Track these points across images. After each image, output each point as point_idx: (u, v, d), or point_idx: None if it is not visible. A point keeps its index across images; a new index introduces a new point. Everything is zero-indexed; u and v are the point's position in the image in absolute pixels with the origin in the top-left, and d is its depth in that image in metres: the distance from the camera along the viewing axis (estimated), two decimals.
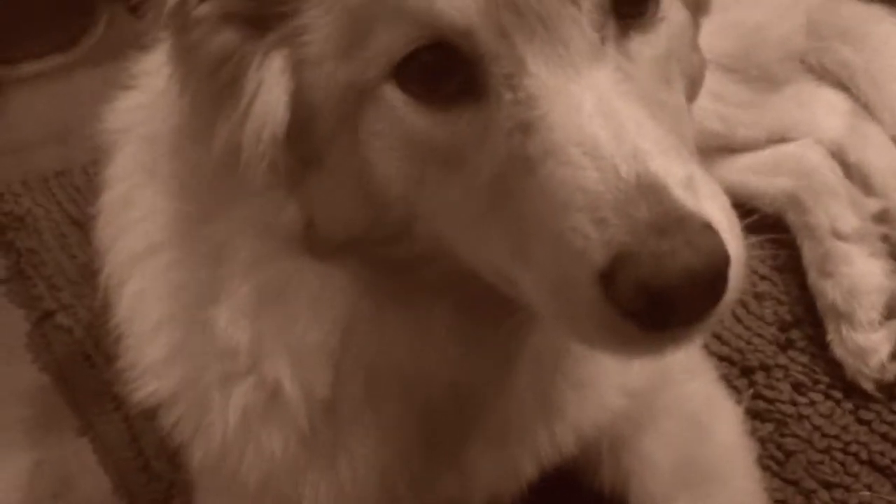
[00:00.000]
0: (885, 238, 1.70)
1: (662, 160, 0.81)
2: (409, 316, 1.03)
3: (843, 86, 1.93)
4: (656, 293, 0.79)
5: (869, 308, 1.57)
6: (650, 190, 0.80)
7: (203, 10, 0.91)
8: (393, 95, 0.89)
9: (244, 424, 1.10)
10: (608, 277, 0.80)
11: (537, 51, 0.85)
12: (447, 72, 0.87)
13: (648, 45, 0.92)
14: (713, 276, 0.80)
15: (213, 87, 0.94)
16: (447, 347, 1.05)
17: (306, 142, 0.94)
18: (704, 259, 0.79)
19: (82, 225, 1.95)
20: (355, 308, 1.03)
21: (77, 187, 2.13)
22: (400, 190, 0.92)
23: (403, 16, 0.86)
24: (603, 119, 0.83)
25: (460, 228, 0.92)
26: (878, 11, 1.96)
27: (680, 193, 0.80)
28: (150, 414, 1.18)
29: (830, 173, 1.82)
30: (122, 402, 1.58)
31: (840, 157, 1.86)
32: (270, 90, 0.92)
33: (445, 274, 0.98)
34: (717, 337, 1.63)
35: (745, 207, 1.44)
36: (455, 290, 1.01)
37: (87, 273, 1.76)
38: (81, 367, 1.76)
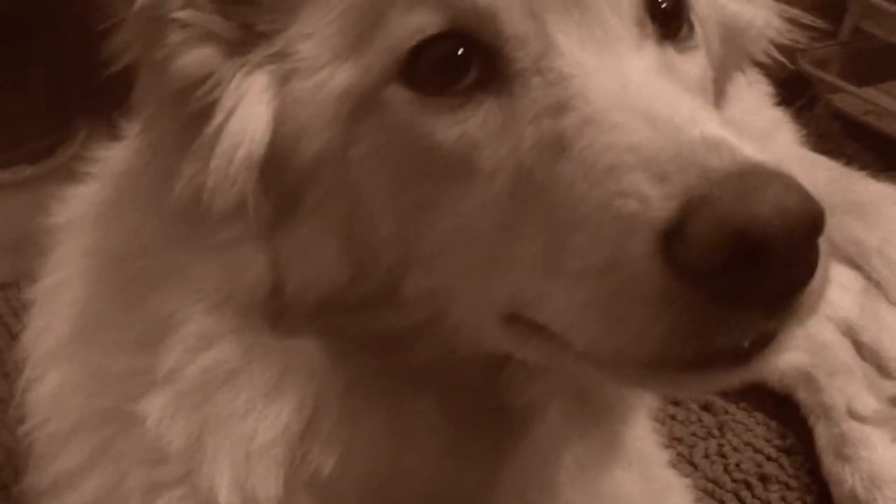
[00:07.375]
0: None
1: (725, 130, 0.69)
2: (387, 410, 0.86)
3: (853, 263, 1.84)
4: (743, 233, 0.63)
5: (893, 497, 1.43)
6: (719, 144, 0.67)
7: (184, 14, 0.79)
8: (398, 96, 0.77)
9: None
10: (674, 234, 0.64)
11: (572, 31, 0.75)
12: (462, 64, 0.76)
13: (686, 62, 0.82)
14: (809, 220, 0.65)
15: (181, 118, 0.81)
16: (430, 452, 0.88)
17: (283, 180, 0.81)
18: (797, 198, 0.65)
19: None
20: (322, 397, 0.86)
21: (23, 302, 1.95)
22: (393, 225, 0.79)
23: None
24: (653, 92, 0.71)
25: (466, 263, 0.78)
26: (893, 192, 1.91)
27: (753, 152, 0.67)
28: None
29: (844, 351, 1.70)
30: None
31: (852, 337, 1.75)
32: (249, 106, 0.79)
33: (433, 351, 0.84)
34: None
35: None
36: (442, 377, 0.86)
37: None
38: None
